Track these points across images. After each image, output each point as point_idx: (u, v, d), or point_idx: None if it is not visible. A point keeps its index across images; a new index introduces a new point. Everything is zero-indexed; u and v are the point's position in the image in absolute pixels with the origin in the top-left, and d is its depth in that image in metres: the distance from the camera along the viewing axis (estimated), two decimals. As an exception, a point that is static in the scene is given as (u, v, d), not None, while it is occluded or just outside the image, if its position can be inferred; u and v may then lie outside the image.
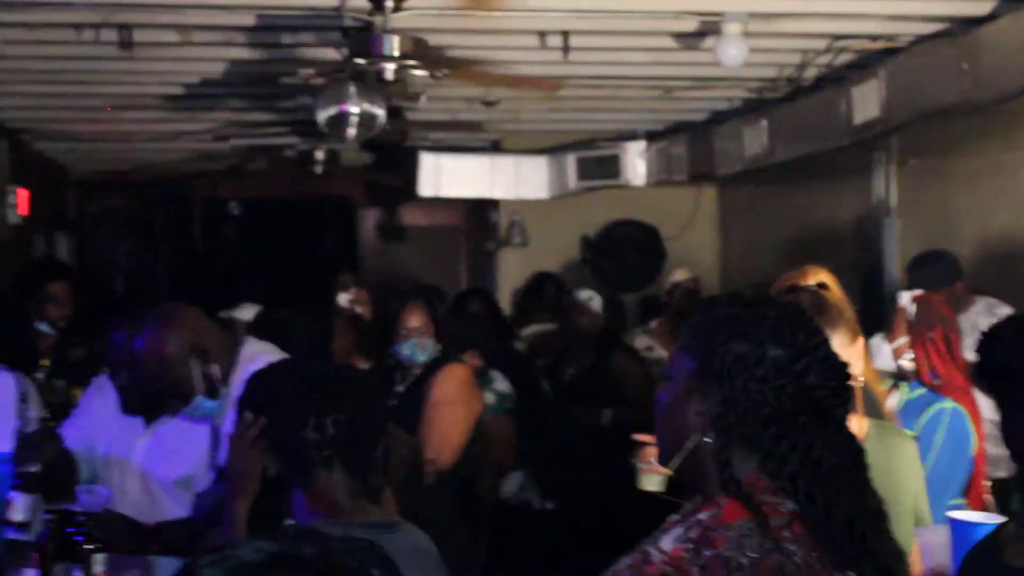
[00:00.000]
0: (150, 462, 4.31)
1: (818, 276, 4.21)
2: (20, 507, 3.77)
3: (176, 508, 4.15)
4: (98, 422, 4.46)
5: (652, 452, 3.93)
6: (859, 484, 2.17)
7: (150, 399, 4.31)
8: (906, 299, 5.14)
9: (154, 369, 4.02)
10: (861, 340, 3.64)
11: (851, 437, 2.20)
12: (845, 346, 3.43)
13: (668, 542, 2.14)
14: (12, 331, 6.27)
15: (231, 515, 2.98)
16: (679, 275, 8.72)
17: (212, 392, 4.05)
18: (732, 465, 2.15)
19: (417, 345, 5.53)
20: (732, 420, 2.16)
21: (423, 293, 6.09)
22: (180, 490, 4.21)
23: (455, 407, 5.50)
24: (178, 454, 4.26)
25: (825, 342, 2.21)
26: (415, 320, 5.53)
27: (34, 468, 3.87)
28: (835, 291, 3.96)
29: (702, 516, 2.14)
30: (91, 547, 3.52)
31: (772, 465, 2.14)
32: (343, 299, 8.08)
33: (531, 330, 8.59)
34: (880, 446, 3.33)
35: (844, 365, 2.22)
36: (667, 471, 3.83)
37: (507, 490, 6.87)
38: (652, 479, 4.03)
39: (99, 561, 3.52)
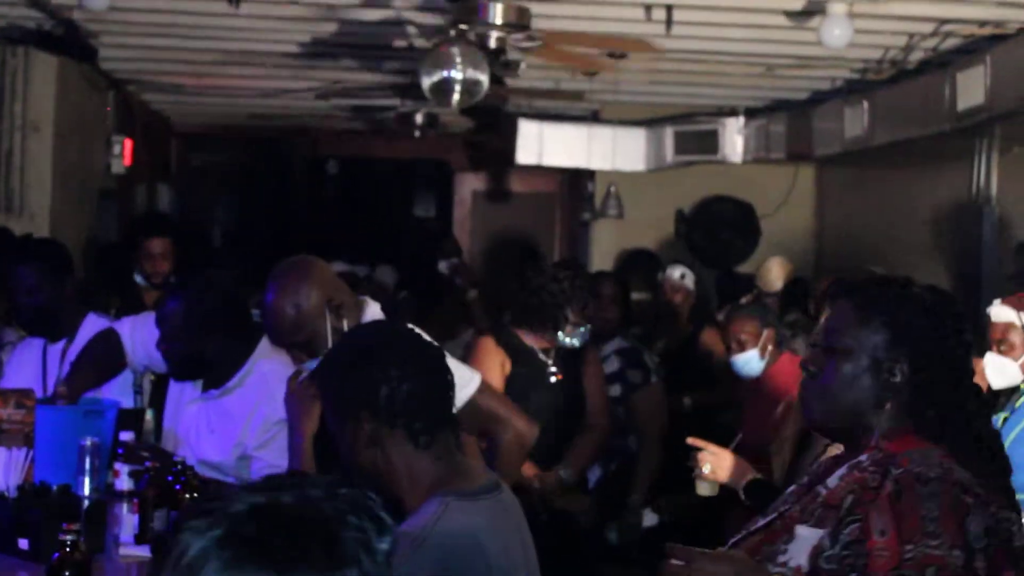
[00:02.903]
0: (189, 434, 4.39)
1: None
2: (126, 476, 3.89)
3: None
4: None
5: (706, 458, 4.09)
6: (982, 418, 2.67)
7: (193, 364, 4.37)
8: (1007, 312, 4.94)
9: (290, 322, 3.90)
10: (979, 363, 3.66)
11: (976, 386, 2.68)
12: None
13: (834, 480, 2.55)
14: (115, 283, 6.43)
15: (297, 450, 3.22)
16: (779, 267, 8.65)
17: None
18: (894, 415, 2.59)
19: (580, 331, 5.74)
20: (921, 380, 2.58)
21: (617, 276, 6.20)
22: (206, 469, 4.23)
23: (604, 383, 6.09)
24: (213, 435, 4.33)
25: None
26: (610, 312, 5.82)
27: (130, 437, 3.99)
28: None
29: (863, 457, 2.56)
30: (189, 495, 3.63)
31: (925, 410, 2.58)
32: (443, 266, 8.08)
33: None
34: None
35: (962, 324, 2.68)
36: (719, 480, 3.94)
37: None
38: (706, 486, 4.16)
39: (197, 509, 3.63)
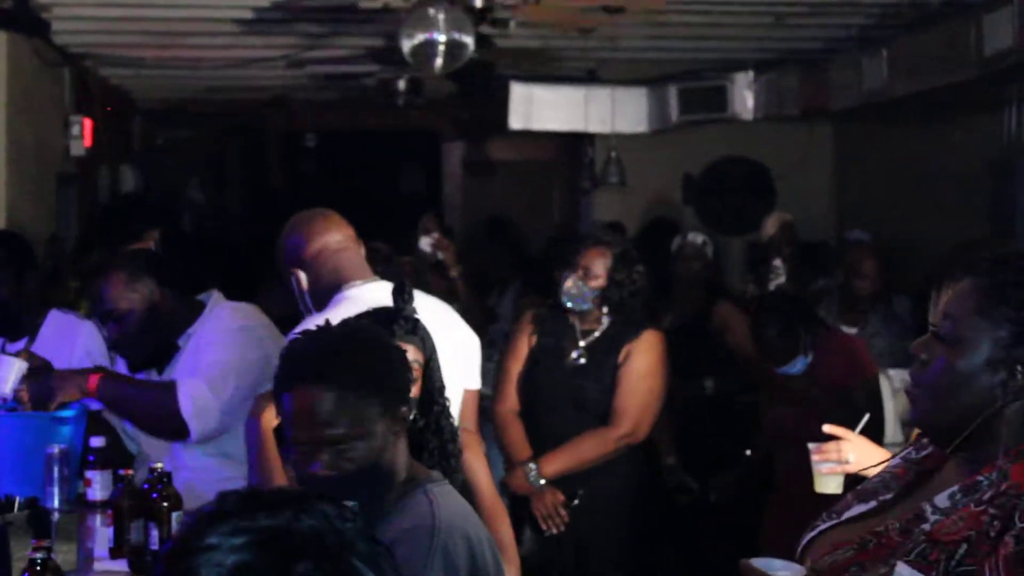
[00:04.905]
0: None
1: None
2: (98, 485, 3.89)
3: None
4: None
5: (846, 448, 3.80)
6: None
7: (149, 348, 4.43)
8: None
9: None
10: None
11: None
12: None
13: (944, 499, 2.34)
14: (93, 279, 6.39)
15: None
16: (774, 218, 8.78)
17: None
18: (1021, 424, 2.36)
19: (582, 292, 5.61)
20: None
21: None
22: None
23: (657, 379, 5.65)
24: None
25: None
26: (589, 264, 5.60)
27: (101, 442, 3.99)
28: None
29: (981, 479, 2.32)
30: (167, 504, 3.63)
31: None
32: (425, 243, 8.11)
33: None
34: None
35: None
36: (849, 470, 3.68)
37: None
38: (833, 481, 3.84)
39: (176, 519, 3.64)
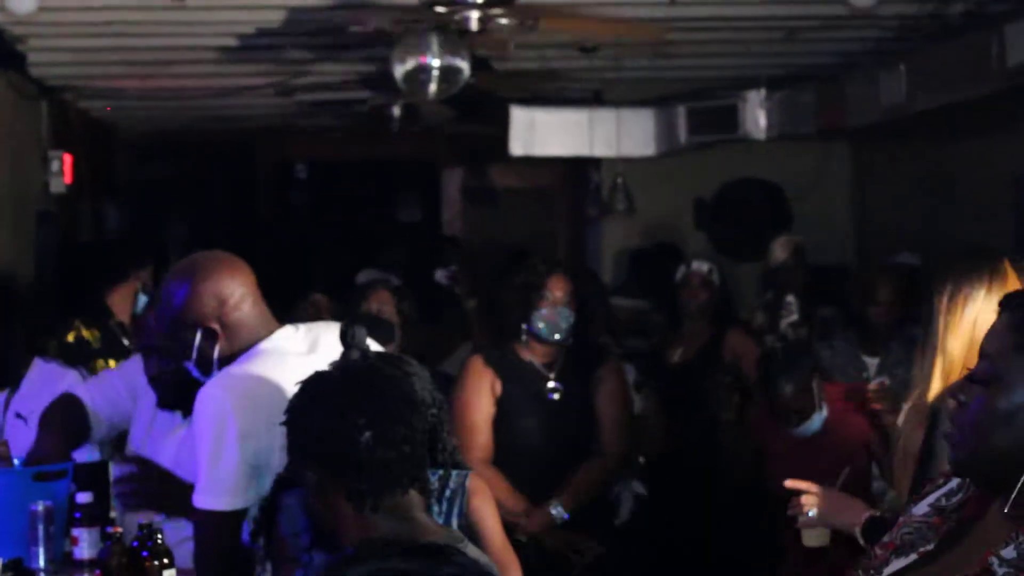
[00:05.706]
0: (178, 462, 4.40)
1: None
2: (86, 543, 3.89)
3: None
4: (139, 411, 4.55)
5: (810, 501, 3.87)
6: None
7: (187, 392, 4.38)
8: None
9: None
10: None
11: None
12: None
13: (1011, 552, 2.32)
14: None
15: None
16: (781, 242, 8.79)
17: None
18: None
19: (567, 322, 5.65)
20: None
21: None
22: None
23: (626, 401, 5.94)
24: (179, 468, 4.33)
25: None
26: (559, 291, 5.63)
27: (88, 498, 3.98)
28: None
29: None
30: (159, 562, 3.63)
31: None
32: (441, 275, 8.07)
33: (622, 303, 8.62)
34: None
35: None
36: (812, 524, 3.74)
37: None
38: (815, 534, 3.95)
39: (169, 578, 3.64)
